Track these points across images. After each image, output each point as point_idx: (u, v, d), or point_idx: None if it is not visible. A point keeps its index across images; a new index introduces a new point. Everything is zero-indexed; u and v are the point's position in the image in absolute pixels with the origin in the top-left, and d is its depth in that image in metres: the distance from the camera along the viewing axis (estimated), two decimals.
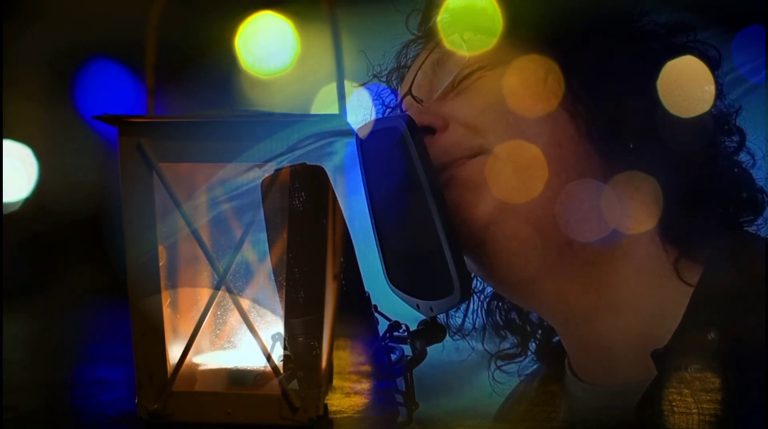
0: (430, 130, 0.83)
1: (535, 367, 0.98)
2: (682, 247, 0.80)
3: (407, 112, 0.89)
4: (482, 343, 0.98)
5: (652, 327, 0.80)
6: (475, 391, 0.99)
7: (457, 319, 0.98)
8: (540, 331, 0.97)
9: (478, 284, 0.98)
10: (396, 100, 0.96)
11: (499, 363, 0.98)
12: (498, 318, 0.98)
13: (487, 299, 0.98)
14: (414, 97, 0.89)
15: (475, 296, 0.98)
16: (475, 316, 0.98)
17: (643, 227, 0.81)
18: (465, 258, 0.80)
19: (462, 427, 0.82)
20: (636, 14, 0.83)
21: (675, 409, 0.76)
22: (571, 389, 0.89)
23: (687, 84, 0.81)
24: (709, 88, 0.81)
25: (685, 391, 0.76)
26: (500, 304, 0.97)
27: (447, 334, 0.85)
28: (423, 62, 0.90)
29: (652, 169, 0.80)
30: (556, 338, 0.94)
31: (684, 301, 0.78)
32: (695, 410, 0.75)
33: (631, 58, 0.80)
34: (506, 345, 0.98)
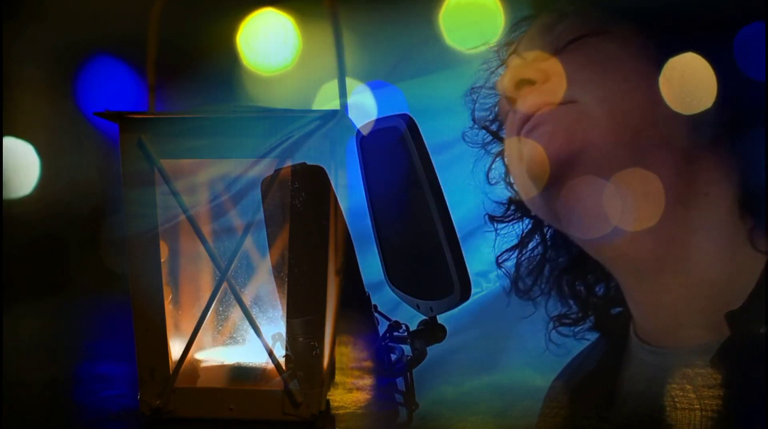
0: (529, 82, 0.87)
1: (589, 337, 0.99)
2: (758, 217, 0.80)
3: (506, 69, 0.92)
4: (545, 307, 1.00)
5: (721, 290, 0.81)
6: (529, 345, 1.02)
7: (527, 283, 1.01)
8: (602, 304, 0.98)
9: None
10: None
11: (557, 325, 1.00)
12: (565, 287, 1.00)
13: (558, 270, 1.00)
14: (519, 55, 0.91)
15: (548, 264, 1.01)
16: (543, 282, 1.01)
17: (723, 191, 0.81)
18: (541, 207, 0.85)
19: (464, 422, 0.82)
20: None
21: (677, 405, 0.76)
22: (636, 353, 0.89)
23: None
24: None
25: (688, 387, 0.76)
26: (569, 276, 1.00)
27: (446, 334, 0.85)
28: (531, 27, 0.92)
29: (738, 138, 0.81)
30: (616, 310, 0.95)
31: (756, 269, 0.79)
32: (698, 406, 0.75)
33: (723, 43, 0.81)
34: (566, 311, 1.00)
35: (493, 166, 1.03)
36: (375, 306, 0.84)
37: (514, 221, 1.02)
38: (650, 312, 0.88)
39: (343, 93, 0.84)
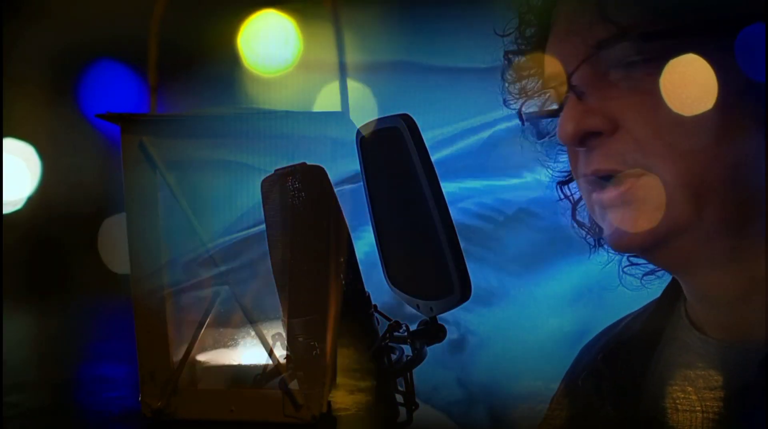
0: (596, 134, 0.80)
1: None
2: None
3: (567, 112, 0.82)
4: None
5: None
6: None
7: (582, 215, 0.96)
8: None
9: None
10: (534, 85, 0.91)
11: (631, 258, 0.94)
12: None
13: None
14: (574, 88, 0.81)
15: None
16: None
17: None
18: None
19: (471, 425, 0.82)
20: None
21: (679, 407, 0.76)
22: (680, 334, 0.87)
23: None
24: None
25: (689, 389, 0.76)
26: None
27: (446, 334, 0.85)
28: (580, 47, 0.82)
29: None
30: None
31: None
32: (699, 408, 0.75)
33: None
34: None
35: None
36: (375, 306, 0.84)
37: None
38: (702, 299, 0.85)
39: (344, 94, 0.84)
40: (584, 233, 0.95)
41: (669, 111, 0.76)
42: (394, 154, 0.80)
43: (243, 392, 0.76)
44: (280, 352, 0.76)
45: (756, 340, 0.78)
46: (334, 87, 0.86)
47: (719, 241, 0.78)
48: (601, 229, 0.89)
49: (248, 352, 0.78)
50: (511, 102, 0.93)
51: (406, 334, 0.83)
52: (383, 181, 0.85)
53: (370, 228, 0.87)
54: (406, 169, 0.78)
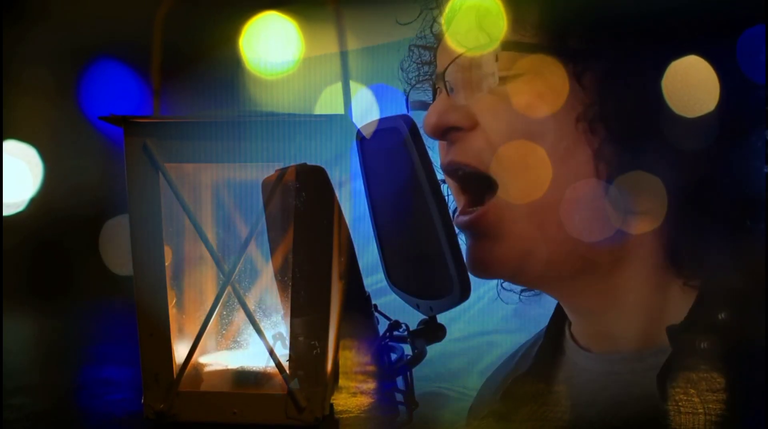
0: (457, 128, 0.85)
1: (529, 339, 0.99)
2: (686, 251, 0.80)
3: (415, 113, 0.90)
4: None
5: (654, 323, 0.81)
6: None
7: None
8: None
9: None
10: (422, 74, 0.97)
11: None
12: None
13: None
14: (446, 84, 0.88)
15: None
16: None
17: (647, 228, 0.81)
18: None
19: (468, 427, 0.82)
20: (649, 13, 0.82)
21: (681, 409, 0.76)
22: (570, 355, 0.90)
23: (692, 84, 0.80)
24: (714, 88, 0.81)
25: (692, 391, 0.76)
26: None
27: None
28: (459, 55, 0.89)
29: (658, 170, 0.80)
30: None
31: (689, 300, 0.79)
32: (701, 410, 0.75)
33: (646, 58, 0.80)
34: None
35: None
36: (375, 306, 0.84)
37: None
38: (587, 323, 0.89)
39: (347, 96, 0.84)
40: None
41: (519, 118, 0.81)
42: (394, 154, 0.80)
43: (246, 394, 0.76)
44: (282, 352, 0.76)
45: (630, 350, 0.82)
46: (336, 89, 0.86)
47: (567, 256, 0.82)
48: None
49: (251, 354, 0.78)
50: (404, 89, 0.99)
51: (406, 333, 0.83)
52: (383, 181, 0.86)
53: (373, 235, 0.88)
54: (405, 169, 0.79)
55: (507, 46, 0.82)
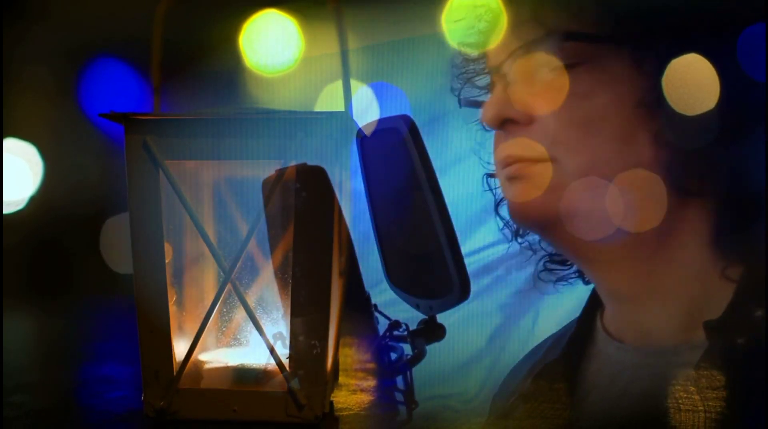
0: (514, 122, 0.85)
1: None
2: (731, 249, 0.81)
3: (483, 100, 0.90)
4: (539, 244, 1.01)
5: (694, 307, 0.81)
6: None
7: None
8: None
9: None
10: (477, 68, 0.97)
11: (547, 261, 1.00)
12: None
13: None
14: (502, 78, 0.88)
15: None
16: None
17: (697, 211, 0.82)
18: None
19: (468, 425, 0.82)
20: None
21: (681, 407, 0.76)
22: (602, 347, 0.90)
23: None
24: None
25: (692, 388, 0.76)
26: None
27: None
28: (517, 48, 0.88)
29: (713, 172, 0.81)
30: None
31: (726, 294, 0.79)
32: (702, 408, 0.75)
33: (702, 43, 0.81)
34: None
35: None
36: (375, 305, 0.84)
37: None
38: (622, 318, 0.88)
39: (347, 94, 0.84)
40: (502, 226, 1.00)
41: (579, 107, 0.81)
42: (393, 154, 0.80)
43: (246, 392, 0.76)
44: (282, 352, 0.76)
45: (666, 344, 0.82)
46: (336, 87, 0.86)
47: (612, 236, 0.82)
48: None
49: (251, 352, 0.78)
50: (456, 87, 0.99)
51: (405, 333, 0.83)
52: (383, 180, 0.86)
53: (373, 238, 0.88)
54: (405, 169, 0.79)
55: (567, 36, 0.82)
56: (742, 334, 0.76)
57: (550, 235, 0.88)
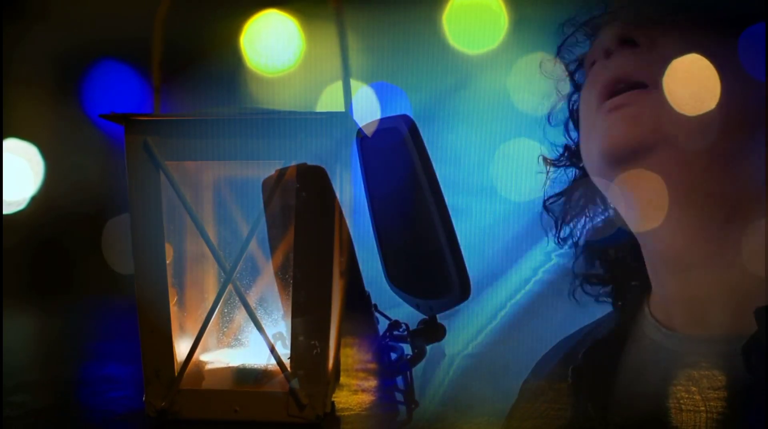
0: (634, 43, 0.84)
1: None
2: None
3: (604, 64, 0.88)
4: (573, 265, 1.00)
5: (749, 289, 0.80)
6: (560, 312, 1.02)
7: (565, 231, 1.01)
8: (624, 273, 0.98)
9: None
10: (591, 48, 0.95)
11: (582, 282, 1.00)
12: (595, 245, 0.99)
13: (593, 228, 1.00)
14: (628, 40, 0.86)
15: (587, 218, 1.00)
16: (579, 234, 1.01)
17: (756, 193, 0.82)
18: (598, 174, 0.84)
19: (469, 424, 0.82)
20: None
21: (683, 407, 0.76)
22: (647, 331, 0.89)
23: None
24: None
25: (693, 388, 0.76)
26: (602, 236, 0.99)
27: (446, 333, 0.85)
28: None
29: None
30: (635, 282, 0.95)
31: None
32: (703, 408, 0.75)
33: None
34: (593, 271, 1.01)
35: (558, 107, 1.01)
36: (375, 305, 0.84)
37: (567, 166, 1.01)
38: (674, 297, 0.87)
39: (348, 94, 0.84)
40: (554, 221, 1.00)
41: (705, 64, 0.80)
42: (393, 154, 0.80)
43: (247, 392, 0.76)
44: (282, 352, 0.76)
45: (716, 332, 0.81)
46: (337, 87, 0.86)
47: (696, 221, 0.82)
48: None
49: (252, 352, 0.78)
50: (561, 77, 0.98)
51: (406, 333, 0.83)
52: (383, 180, 0.86)
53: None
54: (405, 168, 0.79)
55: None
56: None
57: (635, 164, 0.84)
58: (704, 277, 0.83)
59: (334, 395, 0.81)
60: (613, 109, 0.84)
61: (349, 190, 0.85)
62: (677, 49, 0.82)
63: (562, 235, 1.01)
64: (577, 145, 0.95)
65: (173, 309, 0.78)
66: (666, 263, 0.88)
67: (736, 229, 0.82)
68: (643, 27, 0.85)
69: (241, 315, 0.79)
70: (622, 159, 0.84)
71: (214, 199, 0.81)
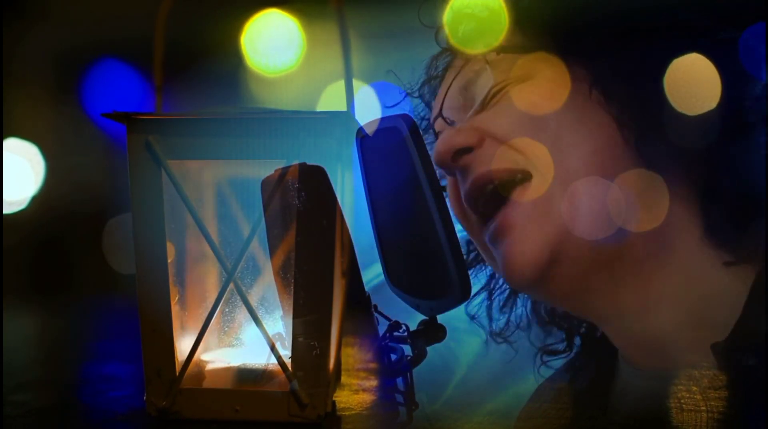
0: (466, 150, 0.84)
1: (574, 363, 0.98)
2: (728, 244, 0.79)
3: (440, 131, 0.90)
4: (528, 339, 0.99)
5: (704, 314, 0.80)
6: (520, 390, 0.99)
7: (500, 322, 0.99)
8: (585, 325, 0.97)
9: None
10: (428, 114, 0.97)
11: (545, 358, 0.99)
12: (543, 314, 0.99)
13: (531, 299, 0.99)
14: (445, 119, 0.89)
15: (519, 298, 0.99)
16: (519, 316, 0.99)
17: (686, 226, 0.80)
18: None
19: (470, 424, 0.82)
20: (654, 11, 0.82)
21: (684, 407, 0.76)
22: (621, 373, 0.89)
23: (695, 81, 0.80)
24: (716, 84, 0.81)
25: (694, 388, 0.76)
26: (545, 303, 0.98)
27: (446, 334, 0.85)
28: (450, 86, 0.90)
29: (691, 168, 0.79)
30: (600, 332, 0.94)
31: (738, 287, 0.78)
32: (704, 408, 0.75)
33: (651, 56, 0.80)
34: (551, 340, 0.99)
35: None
36: (375, 306, 0.84)
37: (478, 265, 1.00)
38: (635, 347, 0.87)
39: (349, 94, 0.84)
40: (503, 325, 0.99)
41: (525, 116, 0.82)
42: (394, 154, 0.80)
43: (248, 392, 0.76)
44: (282, 352, 0.76)
45: (674, 367, 0.80)
46: (337, 86, 0.86)
47: (596, 264, 0.81)
48: None
49: (253, 352, 0.78)
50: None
51: (406, 334, 0.83)
52: (383, 180, 0.86)
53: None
54: (406, 169, 0.79)
55: (502, 50, 0.84)
56: (751, 353, 0.74)
57: (545, 289, 0.84)
58: (654, 319, 0.82)
59: (334, 395, 0.81)
60: (494, 241, 0.84)
61: (350, 190, 0.85)
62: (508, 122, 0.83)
63: (496, 329, 1.00)
64: None
65: (174, 308, 0.78)
66: (615, 320, 0.87)
67: (661, 265, 0.81)
68: (462, 130, 0.85)
69: (242, 314, 0.79)
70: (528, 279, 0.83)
71: (215, 199, 0.81)
